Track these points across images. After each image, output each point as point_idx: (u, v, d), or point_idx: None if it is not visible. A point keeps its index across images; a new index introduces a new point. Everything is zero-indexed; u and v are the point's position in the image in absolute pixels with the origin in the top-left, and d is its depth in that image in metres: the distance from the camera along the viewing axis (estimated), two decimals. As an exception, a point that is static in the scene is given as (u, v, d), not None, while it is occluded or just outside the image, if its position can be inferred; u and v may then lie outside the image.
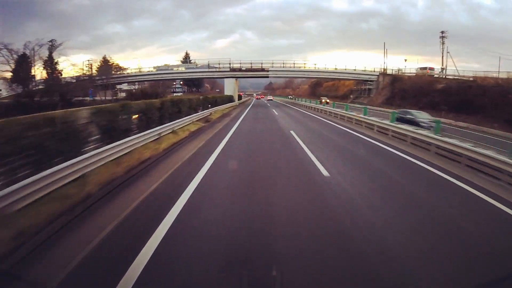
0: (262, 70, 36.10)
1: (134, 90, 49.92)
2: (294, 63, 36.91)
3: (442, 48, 46.41)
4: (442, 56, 44.52)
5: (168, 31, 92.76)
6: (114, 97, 44.85)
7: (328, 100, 35.07)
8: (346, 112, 16.58)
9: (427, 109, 28.58)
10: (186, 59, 55.43)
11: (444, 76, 37.39)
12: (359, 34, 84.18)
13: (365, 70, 39.46)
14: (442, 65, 45.56)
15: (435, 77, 35.70)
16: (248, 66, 36.14)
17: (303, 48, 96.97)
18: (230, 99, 31.57)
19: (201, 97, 18.97)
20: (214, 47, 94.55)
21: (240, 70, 36.16)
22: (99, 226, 3.41)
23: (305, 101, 32.18)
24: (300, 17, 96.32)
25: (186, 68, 40.60)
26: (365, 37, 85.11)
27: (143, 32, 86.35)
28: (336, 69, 38.36)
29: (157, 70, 39.65)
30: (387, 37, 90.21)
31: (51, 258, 2.84)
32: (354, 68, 38.79)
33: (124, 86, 54.78)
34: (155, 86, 64.90)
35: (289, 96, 64.44)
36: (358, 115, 14.75)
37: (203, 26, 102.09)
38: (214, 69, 36.08)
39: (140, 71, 41.03)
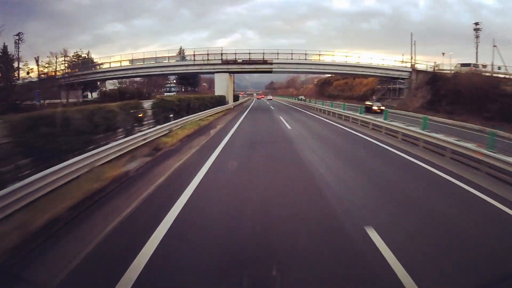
0: (264, 62, 27.31)
1: (108, 90, 41.68)
2: (306, 53, 28.02)
3: (476, 42, 38.58)
4: (477, 52, 37.23)
5: (169, 30, 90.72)
6: (83, 99, 36.37)
7: (382, 107, 24.12)
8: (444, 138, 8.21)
9: (497, 120, 20.24)
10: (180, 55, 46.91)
11: (498, 75, 28.91)
12: (359, 34, 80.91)
13: (394, 66, 31.04)
14: (476, 61, 37.94)
15: (496, 76, 27.08)
16: (246, 57, 27.58)
17: (304, 48, 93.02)
18: (219, 100, 22.95)
19: (147, 101, 10.75)
20: (215, 46, 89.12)
21: (235, 62, 27.27)
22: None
23: (322, 105, 23.55)
24: (301, 16, 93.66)
25: (171, 62, 31.75)
26: (365, 37, 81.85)
27: (143, 32, 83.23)
28: (358, 63, 29.92)
29: (131, 64, 30.96)
30: (388, 37, 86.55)
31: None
32: (382, 63, 30.37)
33: (110, 86, 46.35)
34: (142, 84, 56.49)
35: (301, 97, 53.88)
36: (479, 149, 6.55)
37: (203, 26, 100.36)
38: (201, 62, 27.49)
39: (111, 67, 32.38)
